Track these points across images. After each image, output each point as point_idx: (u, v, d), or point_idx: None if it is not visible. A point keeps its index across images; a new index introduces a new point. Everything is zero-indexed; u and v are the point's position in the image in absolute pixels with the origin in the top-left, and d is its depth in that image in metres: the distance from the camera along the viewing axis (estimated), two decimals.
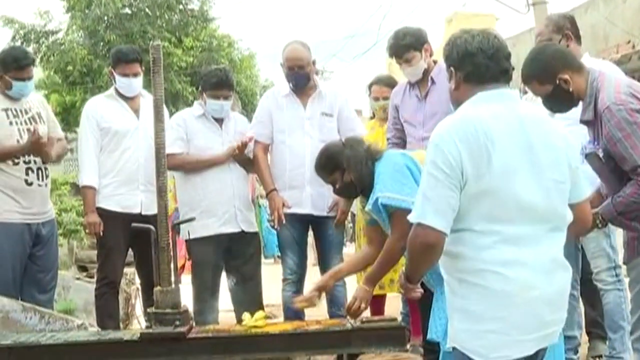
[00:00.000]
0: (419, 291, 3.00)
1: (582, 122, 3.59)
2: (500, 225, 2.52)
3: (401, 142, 5.10)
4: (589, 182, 3.95)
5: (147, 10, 22.18)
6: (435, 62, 4.99)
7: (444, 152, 2.49)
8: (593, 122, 3.51)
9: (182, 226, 5.08)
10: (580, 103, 3.60)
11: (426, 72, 4.96)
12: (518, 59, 3.90)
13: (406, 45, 4.89)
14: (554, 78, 3.48)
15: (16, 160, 5.08)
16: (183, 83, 21.30)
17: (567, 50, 3.63)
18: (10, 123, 5.11)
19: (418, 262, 2.66)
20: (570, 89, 3.49)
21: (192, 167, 5.21)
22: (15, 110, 5.17)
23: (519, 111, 2.64)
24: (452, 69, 2.74)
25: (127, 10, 22.16)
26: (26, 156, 5.10)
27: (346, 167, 4.01)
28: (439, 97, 4.77)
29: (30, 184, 5.12)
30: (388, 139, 5.21)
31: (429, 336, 3.65)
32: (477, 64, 2.66)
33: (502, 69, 2.68)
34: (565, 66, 3.50)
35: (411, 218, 2.55)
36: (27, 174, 5.10)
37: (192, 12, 23.06)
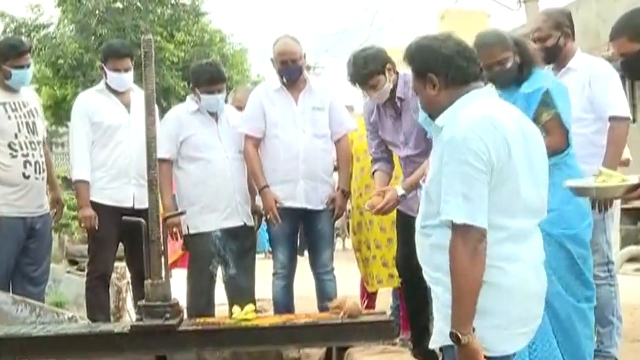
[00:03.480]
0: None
1: None
2: (510, 219, 2.56)
3: (387, 156, 4.92)
4: None
5: (139, 4, 22.12)
6: (397, 73, 4.67)
7: (474, 150, 2.47)
8: None
9: (182, 220, 5.09)
10: None
11: (393, 91, 4.66)
12: None
13: (369, 73, 4.56)
14: None
15: (14, 154, 5.10)
16: (175, 78, 21.27)
17: None
18: (9, 117, 5.12)
19: (471, 275, 2.48)
20: None
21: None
22: (14, 104, 5.18)
23: (511, 108, 2.72)
24: (430, 75, 2.68)
25: (119, 5, 22.12)
26: (24, 149, 5.13)
27: (518, 51, 3.98)
28: (411, 112, 4.59)
29: (28, 177, 5.12)
30: (372, 155, 4.95)
31: None
32: (460, 66, 2.65)
33: (477, 68, 2.71)
34: None
35: (456, 219, 2.47)
36: (25, 167, 5.12)
37: (184, 6, 23.01)
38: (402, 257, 4.72)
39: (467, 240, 2.46)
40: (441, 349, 2.68)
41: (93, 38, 21.41)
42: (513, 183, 2.54)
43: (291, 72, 5.16)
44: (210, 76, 5.19)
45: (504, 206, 2.54)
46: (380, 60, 4.59)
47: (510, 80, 3.99)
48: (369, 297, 5.59)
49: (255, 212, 5.39)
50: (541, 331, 3.38)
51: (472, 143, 2.48)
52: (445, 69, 2.66)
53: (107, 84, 5.44)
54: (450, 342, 2.51)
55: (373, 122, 4.86)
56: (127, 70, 5.37)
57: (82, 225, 5.44)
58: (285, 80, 5.19)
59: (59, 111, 21.06)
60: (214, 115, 5.27)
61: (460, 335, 2.46)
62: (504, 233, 2.54)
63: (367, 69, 4.56)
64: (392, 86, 4.63)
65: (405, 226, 4.48)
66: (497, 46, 3.97)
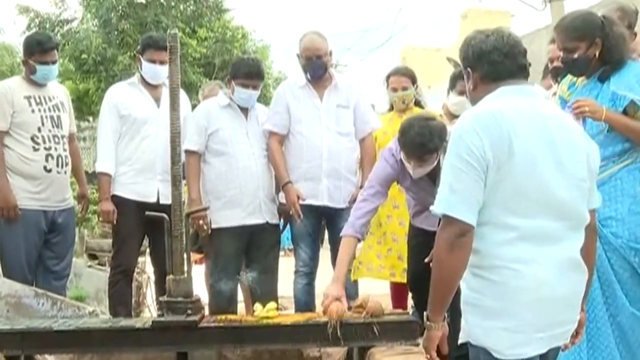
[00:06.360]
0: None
1: None
2: (520, 219, 2.50)
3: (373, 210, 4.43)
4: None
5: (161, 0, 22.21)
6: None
7: (467, 143, 2.47)
8: None
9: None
10: None
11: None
12: (534, 56, 3.83)
13: (433, 149, 4.06)
14: None
15: (36, 147, 5.11)
16: (197, 74, 21.29)
17: None
18: (33, 111, 5.16)
19: (446, 265, 2.50)
20: None
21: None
22: (39, 98, 5.21)
23: (540, 107, 2.63)
24: (469, 69, 2.73)
25: (142, 0, 22.20)
26: (47, 142, 5.14)
27: (604, 42, 3.74)
28: None
29: (49, 171, 5.15)
30: (362, 207, 4.36)
31: None
32: (493, 61, 2.65)
33: (518, 65, 2.67)
34: None
35: (437, 210, 2.52)
36: (46, 160, 5.15)
37: (207, 2, 23.03)
38: (413, 276, 4.64)
39: (447, 231, 2.48)
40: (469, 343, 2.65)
41: (115, 33, 21.50)
42: (524, 179, 2.48)
43: (315, 68, 5.14)
44: (249, 70, 5.16)
45: (509, 204, 2.49)
46: (444, 138, 4.00)
47: (579, 71, 3.87)
48: (400, 296, 5.53)
49: (282, 211, 5.34)
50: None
51: (467, 136, 2.49)
52: (478, 64, 2.68)
53: (141, 76, 5.44)
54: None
55: (406, 187, 4.54)
56: (162, 63, 5.27)
57: (101, 219, 5.45)
58: (309, 76, 5.18)
59: (80, 105, 21.11)
60: (244, 111, 5.24)
61: (428, 321, 2.59)
62: (514, 232, 2.49)
63: (433, 144, 4.03)
64: (436, 163, 4.17)
65: (420, 242, 4.42)
66: (566, 32, 3.84)
